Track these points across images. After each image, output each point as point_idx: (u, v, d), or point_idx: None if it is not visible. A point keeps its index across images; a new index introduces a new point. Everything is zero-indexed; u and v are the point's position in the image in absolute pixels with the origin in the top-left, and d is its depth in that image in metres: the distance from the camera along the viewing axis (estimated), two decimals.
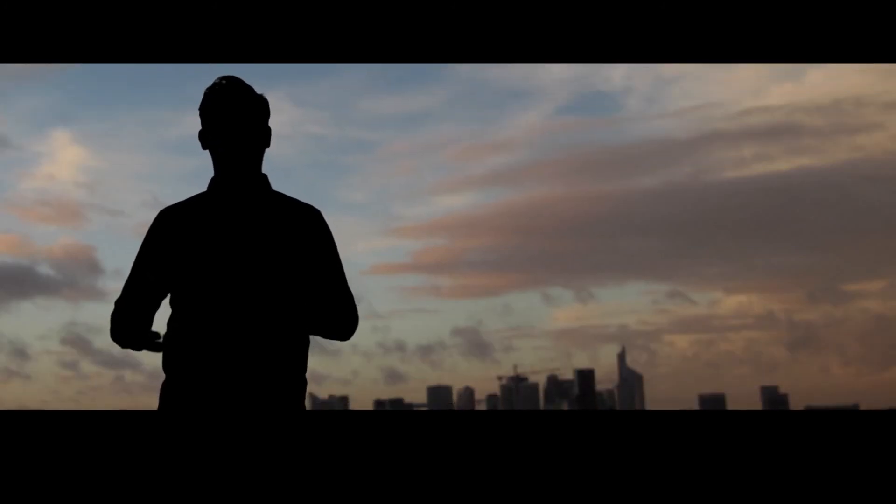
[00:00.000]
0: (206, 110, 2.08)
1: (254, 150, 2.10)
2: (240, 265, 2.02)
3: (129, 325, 2.12)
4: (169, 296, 2.15)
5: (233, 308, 1.99)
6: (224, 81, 2.09)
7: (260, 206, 2.09)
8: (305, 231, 2.10)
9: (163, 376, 2.09)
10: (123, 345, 2.16)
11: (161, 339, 2.12)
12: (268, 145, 2.15)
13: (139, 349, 2.18)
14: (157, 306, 2.16)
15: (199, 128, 2.13)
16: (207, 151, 2.16)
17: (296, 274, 2.08)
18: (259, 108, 2.11)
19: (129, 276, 2.15)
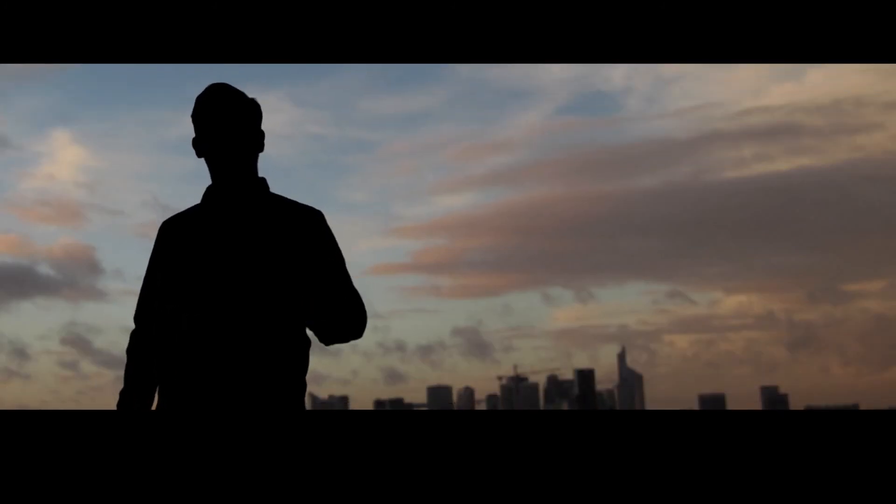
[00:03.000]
0: (197, 117, 2.09)
1: (246, 154, 2.10)
2: (239, 271, 2.02)
3: (149, 341, 2.12)
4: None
5: (232, 313, 2.00)
6: (213, 88, 2.09)
7: (258, 211, 2.09)
8: (306, 234, 2.10)
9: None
10: (137, 363, 2.13)
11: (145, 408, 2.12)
12: (261, 149, 2.15)
13: (138, 391, 2.13)
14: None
15: (193, 135, 2.15)
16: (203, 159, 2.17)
17: (297, 277, 2.08)
18: (250, 111, 2.11)
19: (141, 291, 2.17)
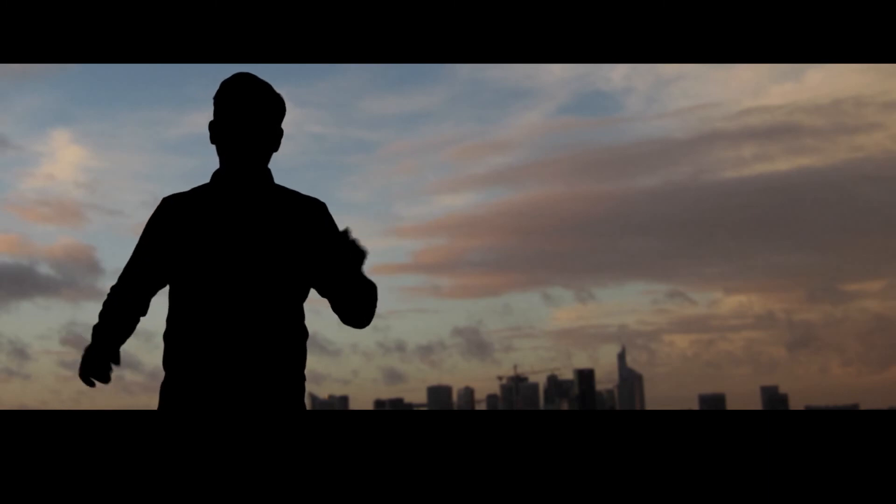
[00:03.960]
0: (220, 100, 2.05)
1: (261, 148, 2.07)
2: (240, 260, 2.01)
3: (121, 306, 2.09)
4: (168, 291, 2.14)
5: (232, 304, 1.99)
6: (242, 75, 2.07)
7: (262, 199, 2.08)
8: (308, 223, 2.10)
9: (163, 376, 2.09)
10: (105, 325, 2.10)
11: (111, 368, 2.08)
12: (276, 148, 2.12)
13: (107, 350, 2.10)
14: (152, 293, 2.15)
15: (209, 120, 2.11)
16: (211, 149, 2.15)
17: (298, 268, 2.08)
18: (274, 106, 2.08)
19: (128, 261, 2.13)
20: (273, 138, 2.09)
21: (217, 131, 2.07)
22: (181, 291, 2.05)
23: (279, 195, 2.11)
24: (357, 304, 2.11)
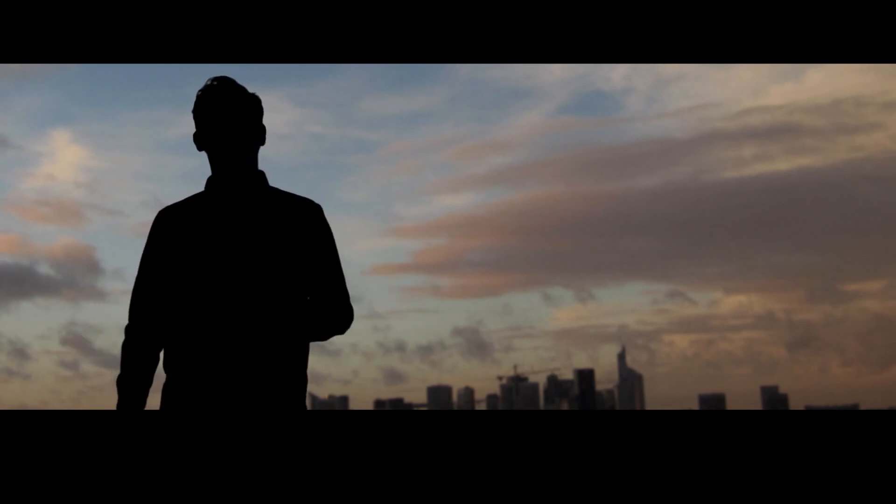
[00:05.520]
0: (198, 112, 2.10)
1: (247, 149, 2.11)
2: (239, 263, 2.03)
3: (145, 334, 2.10)
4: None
5: (233, 307, 2.00)
6: (215, 83, 2.10)
7: (257, 202, 2.10)
8: (303, 226, 2.11)
9: (163, 376, 2.10)
10: (134, 359, 2.10)
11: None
12: (262, 143, 2.16)
13: (138, 384, 2.11)
14: (165, 312, 2.15)
15: (195, 130, 2.15)
16: (204, 152, 2.17)
17: (295, 270, 2.09)
18: (250, 107, 2.12)
19: (136, 282, 2.14)
20: (256, 136, 2.13)
21: (202, 140, 2.11)
22: (182, 296, 2.06)
23: (274, 197, 2.13)
24: (334, 313, 2.13)
